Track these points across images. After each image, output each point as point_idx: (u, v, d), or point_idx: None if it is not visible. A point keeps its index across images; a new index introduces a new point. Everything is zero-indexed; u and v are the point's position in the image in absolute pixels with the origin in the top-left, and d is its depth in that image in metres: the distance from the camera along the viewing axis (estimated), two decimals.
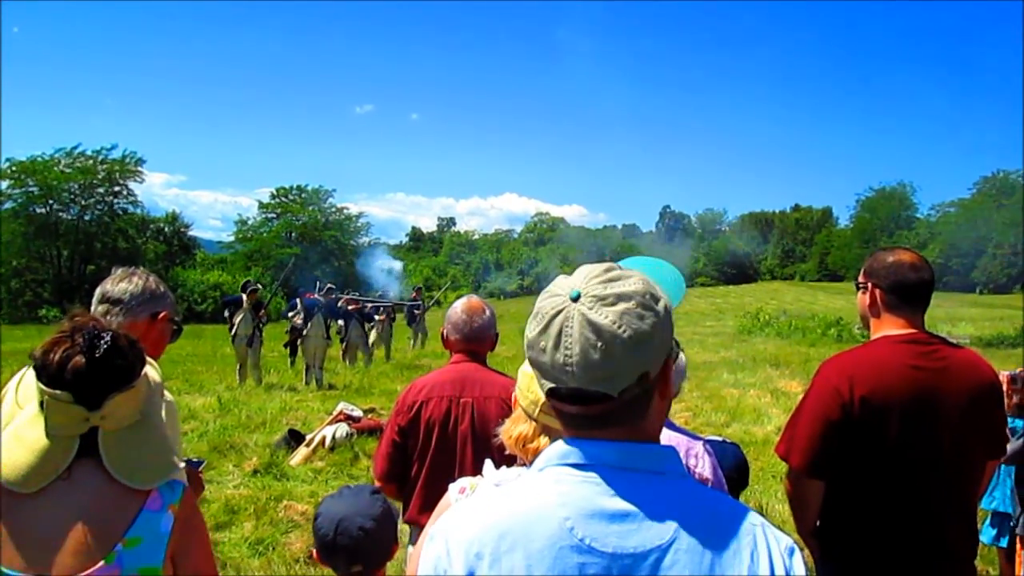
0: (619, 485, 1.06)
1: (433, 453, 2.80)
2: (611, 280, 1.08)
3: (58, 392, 1.51)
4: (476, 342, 2.95)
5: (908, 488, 2.38)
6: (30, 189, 48.16)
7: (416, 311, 20.46)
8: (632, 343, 1.04)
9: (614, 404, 1.07)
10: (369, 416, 9.01)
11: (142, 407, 1.62)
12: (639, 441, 1.10)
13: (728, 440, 3.02)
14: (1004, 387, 3.70)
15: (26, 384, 1.74)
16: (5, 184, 47.60)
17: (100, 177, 50.84)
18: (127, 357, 1.58)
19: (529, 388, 1.64)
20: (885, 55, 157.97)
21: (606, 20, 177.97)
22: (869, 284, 2.59)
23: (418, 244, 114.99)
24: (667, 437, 2.29)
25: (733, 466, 2.77)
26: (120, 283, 2.23)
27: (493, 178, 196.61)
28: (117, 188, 52.38)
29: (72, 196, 50.26)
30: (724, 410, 9.87)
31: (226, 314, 12.92)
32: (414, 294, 21.96)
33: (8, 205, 48.02)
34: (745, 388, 11.97)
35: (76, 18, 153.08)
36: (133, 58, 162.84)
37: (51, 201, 49.49)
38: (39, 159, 48.80)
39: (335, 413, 8.40)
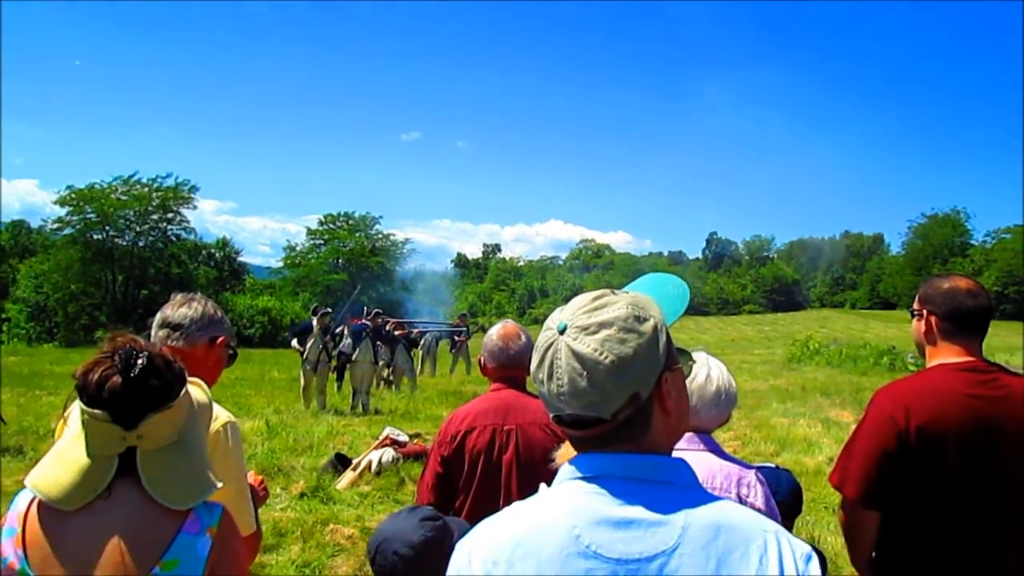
0: (625, 494, 1.12)
1: (478, 482, 2.78)
2: (595, 309, 1.16)
3: (96, 411, 1.54)
4: (514, 368, 2.93)
5: (966, 520, 2.32)
6: (88, 216, 49.54)
7: (457, 337, 20.49)
8: (615, 368, 1.11)
9: (609, 426, 1.15)
10: (415, 441, 9.04)
11: (180, 427, 1.63)
12: (644, 454, 1.16)
13: (781, 467, 2.97)
14: None
15: (76, 404, 1.80)
16: (64, 211, 49.09)
17: (155, 204, 52.12)
18: (163, 377, 1.60)
19: None
20: (938, 78, 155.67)
21: (648, 44, 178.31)
22: (924, 311, 2.54)
23: (463, 270, 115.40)
24: (718, 466, 2.26)
25: (788, 492, 2.73)
26: (180, 308, 2.28)
27: (538, 205, 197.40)
28: (171, 215, 53.65)
29: (128, 223, 51.57)
30: (774, 440, 9.70)
31: (294, 343, 13.04)
32: (458, 320, 21.99)
33: (67, 231, 49.45)
34: (795, 417, 11.75)
35: (132, 52, 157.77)
36: (186, 89, 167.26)
37: (107, 227, 50.84)
38: (97, 187, 50.22)
39: (381, 438, 8.44)
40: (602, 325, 1.13)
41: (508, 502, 2.66)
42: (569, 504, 1.14)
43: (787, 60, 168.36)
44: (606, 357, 1.11)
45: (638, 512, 1.10)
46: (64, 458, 1.58)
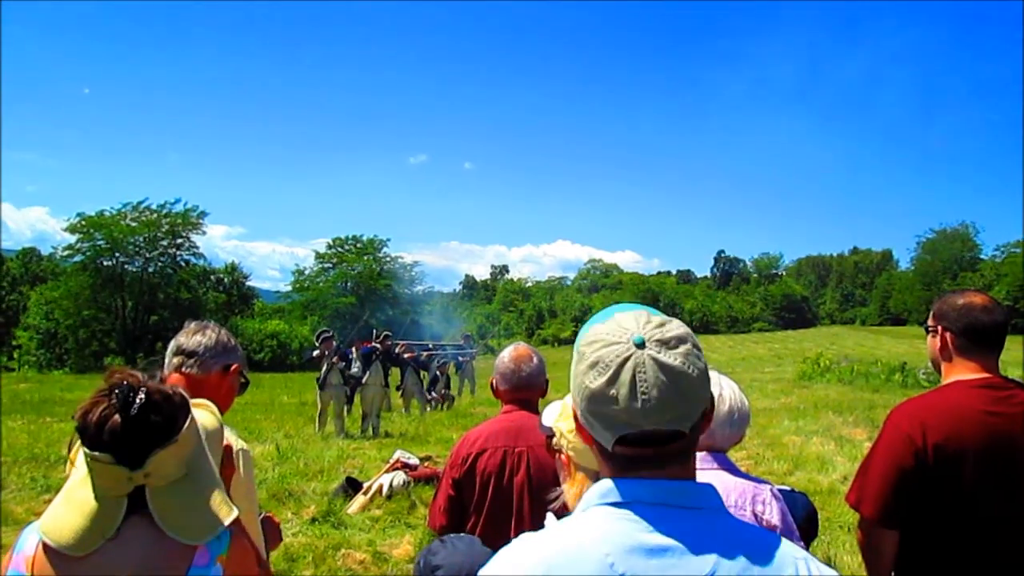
0: (657, 521, 1.10)
1: (489, 505, 2.76)
2: (662, 325, 1.16)
3: (99, 454, 1.49)
4: (526, 390, 2.92)
5: (985, 538, 2.29)
6: (98, 242, 49.81)
7: (461, 358, 20.46)
8: (699, 382, 1.12)
9: (684, 441, 1.14)
10: (426, 464, 9.00)
11: (188, 459, 1.60)
12: (682, 479, 1.15)
13: (796, 490, 2.93)
14: None
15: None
16: (74, 238, 49.41)
17: (164, 230, 52.40)
18: (164, 411, 1.55)
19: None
20: (944, 92, 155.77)
21: (655, 65, 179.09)
22: (939, 328, 2.52)
23: (472, 292, 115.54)
24: (732, 483, 2.24)
25: (803, 516, 2.69)
26: (194, 336, 2.29)
27: (545, 225, 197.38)
28: (180, 240, 53.90)
29: (137, 249, 51.83)
30: (786, 458, 9.62)
31: (315, 354, 13.06)
32: (462, 340, 21.98)
33: (77, 258, 49.75)
34: (808, 435, 11.65)
35: (141, 79, 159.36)
36: (195, 116, 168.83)
37: (117, 254, 51.11)
38: (106, 213, 50.57)
39: (392, 461, 8.40)
40: (679, 340, 1.13)
41: (519, 524, 2.66)
42: (601, 530, 1.11)
43: (793, 78, 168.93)
44: (692, 371, 1.11)
45: (671, 540, 1.08)
46: (73, 501, 1.55)
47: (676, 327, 1.16)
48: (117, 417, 1.50)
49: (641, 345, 1.12)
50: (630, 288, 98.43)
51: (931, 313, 2.60)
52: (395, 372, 14.99)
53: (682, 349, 1.12)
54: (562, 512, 1.80)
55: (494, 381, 2.98)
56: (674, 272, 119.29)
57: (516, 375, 2.90)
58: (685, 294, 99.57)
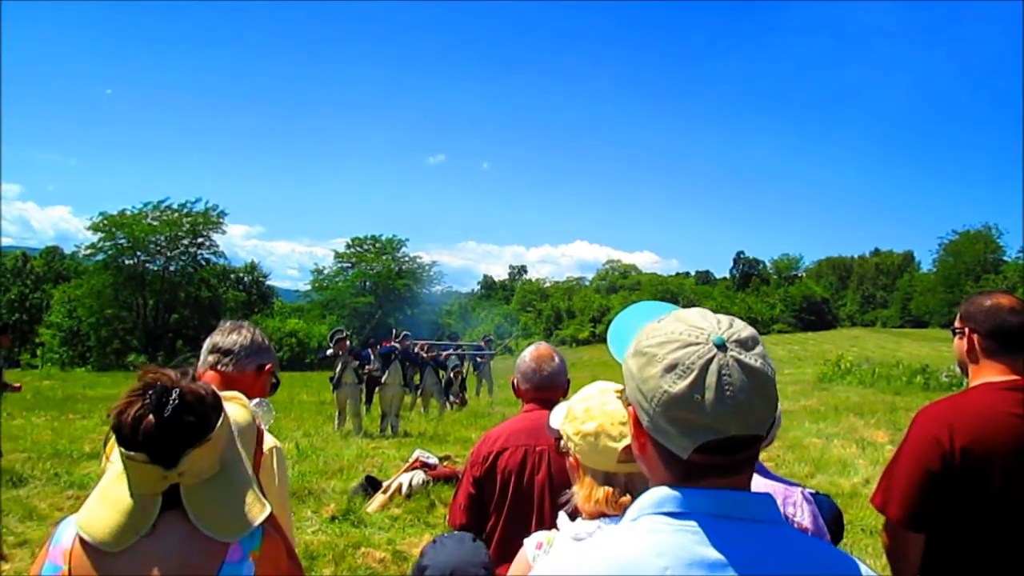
0: (718, 534, 1.04)
1: (510, 504, 2.75)
2: (732, 324, 1.10)
3: (133, 454, 1.51)
4: (547, 390, 2.91)
5: (1013, 541, 2.27)
6: (119, 241, 50.32)
7: (480, 359, 20.47)
8: (774, 383, 1.08)
9: (756, 448, 1.09)
10: (445, 463, 9.02)
11: (222, 456, 1.62)
12: (742, 489, 1.09)
13: (820, 492, 2.92)
14: None
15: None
16: (96, 237, 49.93)
17: (185, 229, 52.83)
18: (196, 412, 1.56)
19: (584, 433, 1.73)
20: (965, 92, 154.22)
21: (673, 65, 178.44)
22: (966, 329, 2.50)
23: (489, 292, 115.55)
24: (764, 485, 2.23)
25: (829, 518, 2.67)
26: (230, 335, 2.31)
27: (563, 226, 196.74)
28: (200, 240, 54.33)
29: (158, 247, 52.30)
30: (808, 461, 9.57)
31: (328, 352, 13.14)
32: (482, 342, 21.99)
33: (99, 257, 50.26)
34: (829, 438, 11.58)
35: (163, 79, 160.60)
36: (216, 116, 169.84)
37: (139, 253, 51.60)
38: (128, 213, 51.06)
39: (411, 460, 8.43)
40: (754, 340, 1.09)
41: (540, 523, 2.66)
42: (655, 540, 1.05)
43: (811, 78, 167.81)
44: (770, 372, 1.07)
45: (732, 553, 1.02)
46: (109, 498, 1.57)
47: (744, 326, 1.10)
48: (151, 417, 1.52)
49: (722, 346, 1.06)
50: (648, 289, 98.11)
51: (958, 314, 2.57)
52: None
53: (759, 350, 1.08)
54: (574, 514, 1.80)
55: (515, 380, 2.98)
56: (693, 273, 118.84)
57: (538, 374, 2.90)
58: (704, 295, 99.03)
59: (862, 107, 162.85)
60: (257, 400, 2.35)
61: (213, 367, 2.24)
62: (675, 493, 1.08)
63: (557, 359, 2.94)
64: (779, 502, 2.18)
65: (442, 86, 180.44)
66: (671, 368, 1.05)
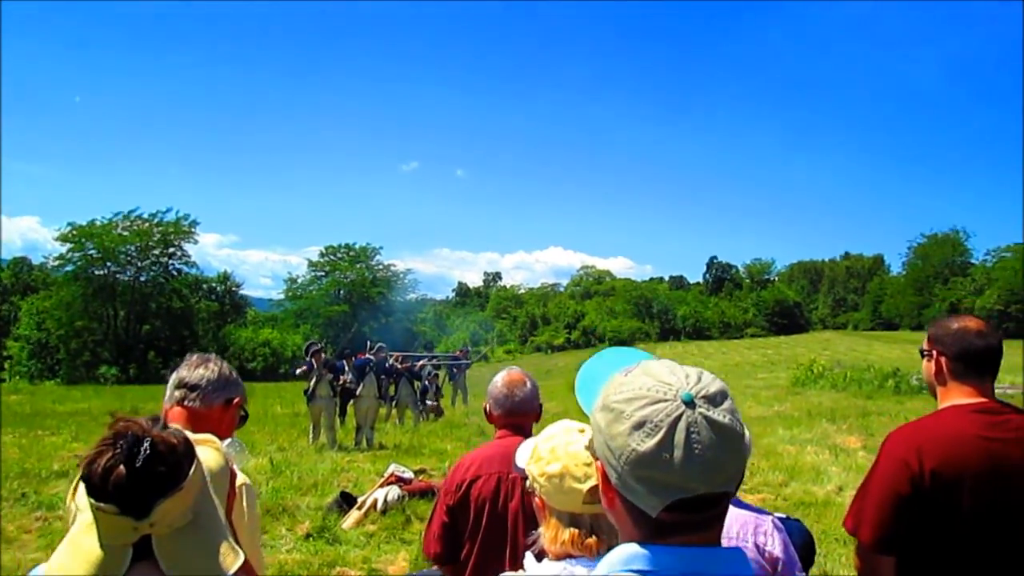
0: None
1: (484, 531, 2.74)
2: (700, 379, 1.09)
3: (104, 505, 1.47)
4: (519, 415, 2.90)
5: (983, 563, 2.29)
6: (89, 252, 49.72)
7: (455, 369, 20.46)
8: (743, 438, 1.06)
9: (725, 503, 1.08)
10: (420, 477, 8.99)
11: (194, 505, 1.58)
12: (712, 545, 1.08)
13: (791, 516, 2.93)
14: None
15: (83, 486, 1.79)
16: (65, 248, 49.28)
17: (156, 239, 52.33)
18: (168, 461, 1.53)
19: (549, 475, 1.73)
20: (935, 96, 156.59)
21: (645, 69, 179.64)
22: (935, 351, 2.52)
23: (464, 299, 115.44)
24: (734, 515, 2.23)
25: (800, 544, 2.69)
26: (197, 369, 2.27)
27: (538, 232, 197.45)
28: (172, 250, 53.82)
29: (129, 258, 51.72)
30: (781, 469, 9.62)
31: (299, 371, 12.98)
32: (459, 352, 21.98)
33: (68, 268, 49.62)
34: (802, 444, 11.67)
35: (132, 87, 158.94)
36: (187, 123, 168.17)
37: (109, 263, 51.01)
38: (98, 223, 50.47)
39: (386, 475, 8.38)
40: (722, 394, 1.07)
41: (514, 551, 2.65)
42: None
43: (784, 82, 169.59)
44: (739, 428, 1.06)
45: None
46: (78, 548, 1.54)
47: (713, 380, 1.09)
48: (122, 468, 1.48)
49: (691, 403, 1.04)
50: (623, 295, 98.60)
51: (926, 337, 2.60)
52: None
53: (727, 405, 1.06)
54: (541, 555, 1.79)
55: (487, 406, 2.96)
56: (666, 278, 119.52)
57: (509, 400, 2.89)
58: (678, 300, 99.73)
59: (833, 112, 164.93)
60: (229, 440, 2.33)
61: (180, 402, 2.21)
62: (644, 551, 1.06)
63: (528, 384, 2.93)
64: (750, 531, 2.20)
65: (415, 93, 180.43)
66: (639, 426, 1.04)
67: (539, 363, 73.11)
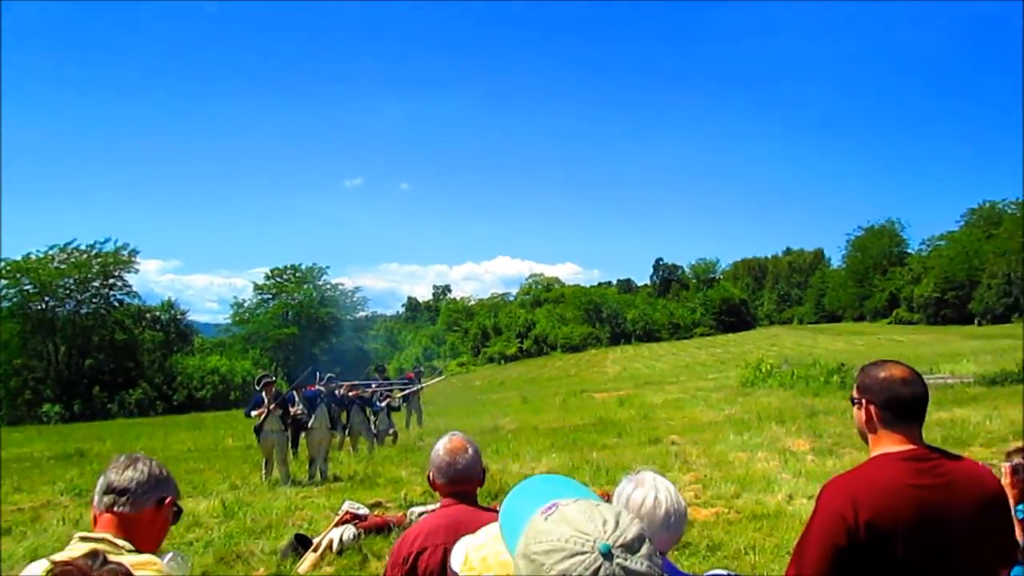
0: None
1: None
2: (618, 523, 1.12)
3: None
4: (462, 484, 2.91)
5: None
6: (25, 287, 48.43)
7: (409, 390, 20.30)
8: None
9: None
10: (375, 512, 8.91)
11: None
12: None
13: (729, 572, 2.98)
14: (1007, 478, 3.68)
15: None
16: (0, 284, 47.91)
17: (94, 271, 51.27)
18: None
19: None
20: (867, 89, 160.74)
21: (585, 78, 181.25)
22: (863, 400, 2.59)
23: (415, 314, 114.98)
24: None
25: None
26: (125, 472, 2.22)
27: (485, 242, 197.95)
28: (112, 280, 52.71)
29: (67, 291, 50.55)
30: (733, 479, 9.75)
31: (253, 414, 12.74)
32: (409, 375, 21.87)
33: (3, 305, 48.21)
34: (752, 450, 11.85)
35: (57, 113, 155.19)
36: (119, 149, 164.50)
37: (47, 298, 49.80)
38: (33, 257, 49.19)
39: (341, 514, 8.28)
40: (639, 539, 1.10)
41: None
42: None
43: (722, 82, 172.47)
44: (658, 571, 1.09)
45: None
46: None
47: (630, 524, 1.12)
48: None
49: (608, 554, 1.07)
50: (572, 301, 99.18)
51: (855, 386, 2.67)
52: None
53: (644, 550, 1.09)
54: None
55: (431, 474, 2.97)
56: (615, 282, 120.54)
57: (452, 468, 2.89)
58: (627, 303, 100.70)
59: (770, 110, 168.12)
60: (171, 555, 2.30)
61: (109, 509, 2.16)
62: None
63: (471, 450, 2.94)
64: None
65: (356, 109, 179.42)
66: None
67: (492, 374, 73.09)
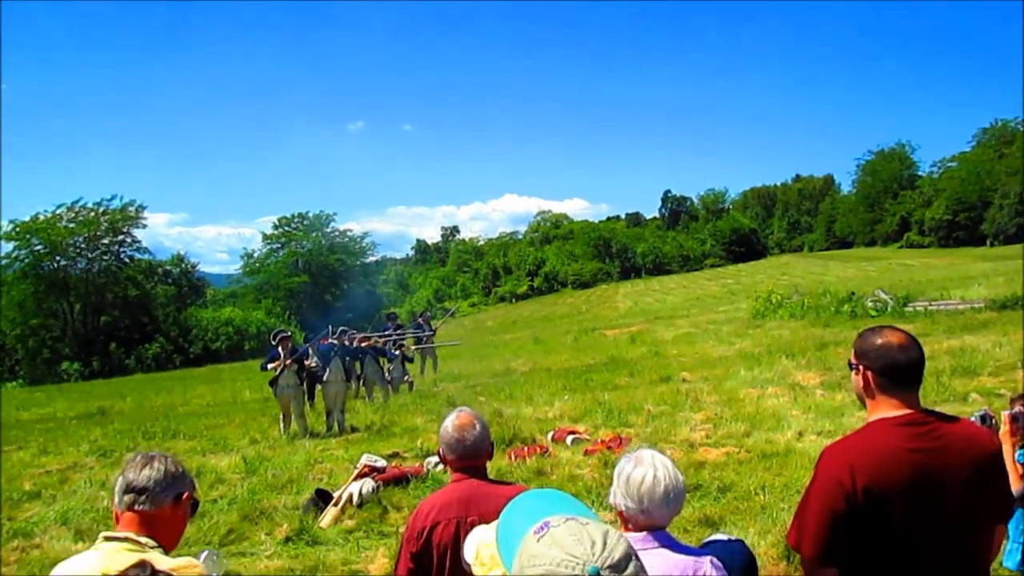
0: None
1: (448, 574, 2.86)
2: (606, 544, 1.18)
3: None
4: (472, 459, 3.00)
5: (918, 571, 2.44)
6: (36, 248, 48.67)
7: (420, 338, 20.44)
8: None
9: None
10: (393, 464, 9.09)
11: None
12: None
13: (733, 537, 3.06)
14: (1006, 426, 3.75)
15: None
16: (10, 246, 48.19)
17: (104, 228, 51.38)
18: None
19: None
20: (873, 10, 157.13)
21: (588, 9, 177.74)
22: (861, 366, 2.63)
23: (425, 256, 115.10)
24: (674, 561, 2.33)
25: (742, 564, 2.82)
26: (143, 471, 2.30)
27: (492, 181, 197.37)
28: (121, 237, 52.88)
29: (78, 250, 50.76)
30: (743, 418, 9.86)
31: (269, 367, 12.90)
32: (419, 320, 21.97)
33: (16, 267, 48.55)
34: (763, 386, 11.96)
35: (55, 70, 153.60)
36: (120, 104, 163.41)
37: (58, 257, 50.04)
38: (41, 217, 49.34)
39: (359, 468, 8.45)
40: (626, 558, 1.18)
41: None
42: None
43: (727, 8, 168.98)
44: None
45: None
46: None
47: (617, 543, 1.20)
48: None
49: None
50: (581, 237, 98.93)
51: (853, 351, 2.70)
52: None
53: (631, 569, 1.17)
54: None
55: (441, 450, 3.05)
56: (623, 216, 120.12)
57: (461, 444, 2.97)
58: (636, 237, 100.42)
59: (776, 36, 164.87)
60: (206, 553, 2.40)
61: (130, 507, 2.24)
62: None
63: (478, 426, 3.01)
64: None
65: (355, 51, 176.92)
66: None
67: (504, 314, 73.39)
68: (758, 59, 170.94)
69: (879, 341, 2.62)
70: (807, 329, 20.63)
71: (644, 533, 2.39)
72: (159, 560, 1.99)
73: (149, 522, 2.23)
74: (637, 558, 1.20)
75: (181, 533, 2.37)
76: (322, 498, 8.04)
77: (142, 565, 1.68)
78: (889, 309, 21.74)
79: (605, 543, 1.19)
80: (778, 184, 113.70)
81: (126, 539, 2.16)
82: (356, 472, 8.42)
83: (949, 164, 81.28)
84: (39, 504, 9.35)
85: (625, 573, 1.16)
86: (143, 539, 2.17)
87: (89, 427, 16.28)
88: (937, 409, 2.66)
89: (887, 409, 2.57)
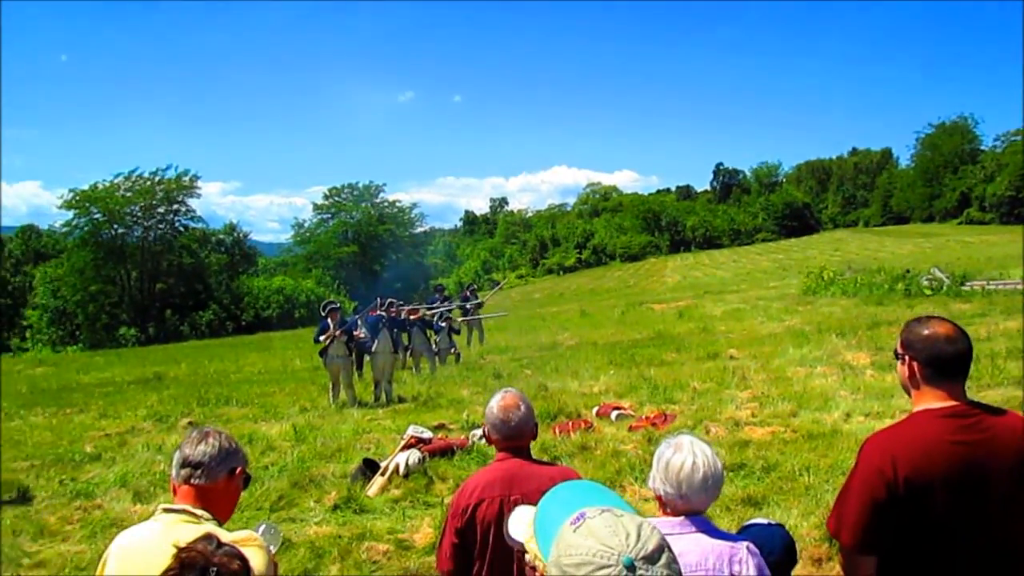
0: None
1: (492, 551, 2.95)
2: (640, 536, 1.22)
3: None
4: (516, 439, 3.08)
5: (959, 562, 2.43)
6: (95, 216, 50.03)
7: (468, 308, 20.54)
8: None
9: None
10: (439, 435, 9.23)
11: None
12: None
13: (773, 521, 3.06)
14: None
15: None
16: (71, 214, 49.54)
17: (159, 197, 52.55)
18: None
19: None
20: None
21: None
22: (907, 356, 2.62)
23: (472, 227, 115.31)
24: (710, 547, 2.36)
25: (782, 549, 2.82)
26: (198, 446, 2.40)
27: (541, 152, 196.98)
28: (176, 206, 54.00)
29: (135, 219, 52.07)
30: (791, 397, 9.78)
31: (321, 338, 13.15)
32: (466, 292, 22.08)
33: (76, 234, 49.97)
34: (811, 365, 11.83)
35: (117, 41, 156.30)
36: (176, 75, 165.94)
37: (116, 225, 51.38)
38: (99, 186, 50.58)
39: (406, 438, 8.61)
40: (659, 550, 1.22)
41: (521, 569, 2.80)
42: None
43: None
44: None
45: None
46: None
47: (651, 535, 1.23)
48: None
49: (631, 566, 1.18)
50: (631, 210, 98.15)
51: (899, 340, 2.69)
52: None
53: (664, 559, 1.21)
54: None
55: (486, 429, 3.13)
56: (673, 188, 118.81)
57: (506, 425, 3.04)
58: (686, 210, 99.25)
59: (832, 6, 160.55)
60: (264, 526, 2.51)
61: (187, 481, 2.35)
62: None
63: (523, 407, 3.07)
64: (725, 562, 2.33)
65: (406, 21, 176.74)
66: None
67: (552, 286, 73.38)
68: (815, 31, 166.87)
69: (926, 332, 2.60)
70: (859, 307, 20.26)
71: (682, 518, 2.42)
72: (221, 533, 2.08)
73: (204, 495, 2.33)
74: (670, 550, 1.23)
75: (234, 506, 2.48)
76: (369, 467, 8.21)
77: (208, 538, 1.76)
78: (945, 288, 21.22)
79: (639, 535, 1.22)
80: (833, 157, 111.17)
81: (183, 511, 2.26)
82: (403, 443, 8.58)
83: (1013, 138, 78.53)
84: (99, 466, 9.69)
85: (658, 564, 1.20)
86: (199, 511, 2.27)
87: (146, 392, 16.78)
88: (991, 393, 2.65)
89: (932, 400, 2.56)
